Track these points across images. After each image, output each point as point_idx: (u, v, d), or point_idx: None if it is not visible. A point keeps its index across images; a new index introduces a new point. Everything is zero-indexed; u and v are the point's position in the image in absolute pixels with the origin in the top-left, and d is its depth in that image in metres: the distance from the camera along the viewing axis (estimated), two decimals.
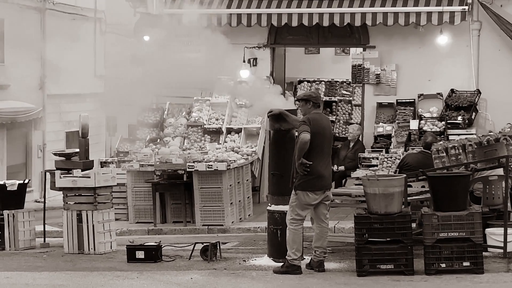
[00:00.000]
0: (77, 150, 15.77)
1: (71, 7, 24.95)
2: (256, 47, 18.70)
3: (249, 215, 16.73)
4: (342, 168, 17.46)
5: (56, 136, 24.75)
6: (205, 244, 12.19)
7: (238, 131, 17.81)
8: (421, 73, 18.09)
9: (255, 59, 18.64)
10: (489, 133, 13.50)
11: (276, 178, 11.72)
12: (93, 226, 13.12)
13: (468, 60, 17.88)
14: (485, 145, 12.03)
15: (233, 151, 16.91)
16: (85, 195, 13.26)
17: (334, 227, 14.70)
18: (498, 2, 17.73)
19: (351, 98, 20.78)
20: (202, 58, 13.14)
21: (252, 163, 17.09)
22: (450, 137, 16.61)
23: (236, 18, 18.24)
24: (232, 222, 15.90)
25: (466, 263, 10.56)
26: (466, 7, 17.31)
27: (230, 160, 15.99)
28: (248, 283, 10.63)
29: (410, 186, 12.34)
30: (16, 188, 14.14)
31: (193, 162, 15.78)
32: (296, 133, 11.30)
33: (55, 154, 15.38)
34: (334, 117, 20.64)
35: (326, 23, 17.91)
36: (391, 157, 16.84)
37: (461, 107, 17.55)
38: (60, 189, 13.52)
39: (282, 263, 11.21)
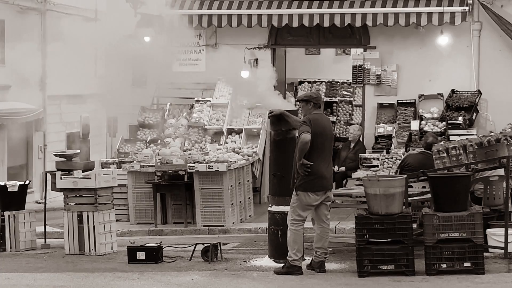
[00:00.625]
0: (78, 151, 15.79)
1: (72, 8, 24.93)
2: (257, 47, 18.70)
3: (250, 215, 16.73)
4: (342, 168, 17.45)
5: (57, 137, 24.74)
6: (206, 245, 12.19)
7: (239, 131, 17.82)
8: (422, 73, 18.09)
9: (256, 59, 18.65)
10: (490, 134, 13.51)
11: (277, 179, 11.72)
12: (94, 227, 13.12)
13: (468, 61, 17.88)
14: (486, 145, 12.03)
15: (233, 151, 16.91)
16: (86, 196, 13.26)
17: (335, 227, 14.70)
18: (499, 2, 17.73)
19: (351, 99, 20.79)
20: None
21: (253, 163, 17.09)
22: (451, 138, 16.61)
23: (236, 19, 18.24)
24: (233, 222, 15.90)
25: (467, 264, 10.56)
26: (467, 8, 17.31)
27: (230, 161, 16.00)
28: (249, 283, 10.63)
29: (411, 186, 12.34)
30: (17, 189, 14.14)
31: (194, 163, 15.78)
32: (297, 134, 11.30)
33: (56, 155, 15.39)
34: (335, 117, 20.64)
35: (326, 23, 17.92)
36: (391, 158, 16.84)
37: (462, 107, 17.55)
38: (61, 190, 13.52)
39: (283, 264, 11.21)
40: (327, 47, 20.65)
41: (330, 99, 20.97)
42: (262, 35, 18.74)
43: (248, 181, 16.78)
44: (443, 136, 16.86)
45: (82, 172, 13.75)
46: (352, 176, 16.84)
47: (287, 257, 11.09)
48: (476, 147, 12.11)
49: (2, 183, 14.31)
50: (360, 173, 16.31)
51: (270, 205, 11.90)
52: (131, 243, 12.85)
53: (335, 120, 20.51)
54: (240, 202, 16.32)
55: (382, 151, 17.33)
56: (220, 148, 17.15)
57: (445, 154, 12.27)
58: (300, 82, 21.36)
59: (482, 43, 17.89)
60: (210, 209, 15.77)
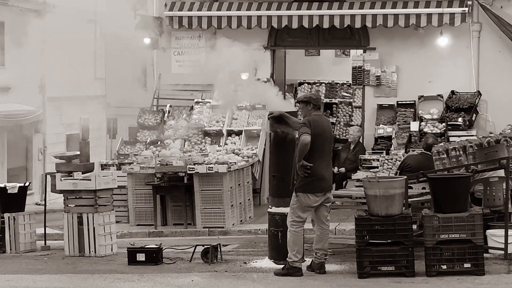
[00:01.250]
0: (78, 152, 15.79)
1: (72, 9, 24.93)
2: (256, 49, 18.69)
3: (249, 217, 16.73)
4: (342, 170, 17.46)
5: (56, 139, 24.74)
6: (206, 246, 12.18)
7: (239, 133, 17.82)
8: (422, 74, 18.10)
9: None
10: (490, 135, 13.49)
11: (277, 180, 11.71)
12: (93, 228, 13.11)
13: (468, 62, 17.89)
14: (486, 146, 12.02)
15: (233, 153, 16.91)
16: (86, 198, 13.25)
17: (335, 229, 14.71)
18: (498, 3, 17.74)
19: (351, 100, 20.79)
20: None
21: (253, 165, 17.09)
22: (451, 139, 16.62)
23: (236, 20, 18.26)
24: (233, 224, 15.90)
25: (467, 265, 10.55)
26: (466, 9, 17.33)
27: (230, 162, 16.00)
28: (249, 285, 10.63)
29: (411, 187, 12.33)
30: (16, 191, 14.14)
31: (194, 164, 15.78)
32: (297, 135, 11.30)
33: (55, 157, 15.39)
34: (335, 119, 20.64)
35: (326, 25, 17.93)
36: (391, 159, 16.84)
37: (462, 108, 17.56)
38: (60, 191, 13.52)
39: (283, 265, 11.21)
40: (327, 48, 20.67)
41: (329, 101, 20.97)
42: (262, 36, 18.75)
43: (248, 182, 16.78)
44: (443, 137, 16.87)
45: (82, 173, 13.75)
46: (352, 177, 16.85)
47: (287, 259, 11.09)
48: (476, 148, 12.11)
49: (2, 185, 14.31)
50: (360, 174, 16.31)
51: (270, 206, 11.90)
52: (131, 244, 12.85)
53: (335, 121, 20.51)
54: (240, 203, 16.32)
55: (382, 152, 17.34)
56: (220, 150, 17.16)
57: (445, 155, 12.27)
58: (300, 84, 21.37)
59: (481, 44, 17.90)
60: (210, 211, 15.77)
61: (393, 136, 17.78)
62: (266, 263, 11.78)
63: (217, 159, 16.21)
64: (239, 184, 16.28)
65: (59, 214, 14.79)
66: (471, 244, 10.54)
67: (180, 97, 19.12)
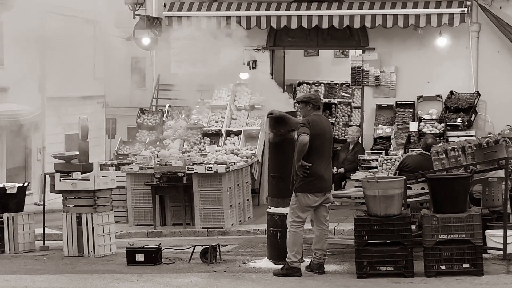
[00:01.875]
0: (77, 152, 15.80)
1: (71, 9, 24.95)
2: (256, 49, 18.70)
3: (248, 217, 16.73)
4: (341, 170, 17.46)
5: (55, 139, 24.77)
6: (205, 246, 12.18)
7: (238, 133, 17.82)
8: (421, 75, 18.10)
9: (255, 61, 18.65)
10: (489, 135, 13.48)
11: (276, 181, 11.72)
12: (92, 228, 13.11)
13: (467, 62, 17.89)
14: (485, 147, 12.03)
15: (232, 153, 16.91)
16: (85, 198, 13.25)
17: (334, 229, 14.70)
18: (497, 4, 17.74)
19: (350, 100, 20.79)
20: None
21: (252, 165, 17.09)
22: (450, 139, 16.63)
23: (235, 20, 18.24)
24: (232, 224, 15.90)
25: (466, 265, 10.55)
26: (465, 9, 17.33)
27: (229, 163, 16.00)
28: (248, 285, 10.63)
29: (410, 188, 12.34)
30: (15, 191, 14.14)
31: (193, 164, 15.78)
32: (296, 135, 11.30)
33: (54, 157, 15.40)
34: (334, 119, 20.64)
35: (325, 25, 17.93)
36: (390, 159, 16.84)
37: (461, 109, 17.56)
38: (59, 191, 13.52)
39: (282, 265, 11.21)
40: (326, 49, 20.67)
41: (329, 101, 20.96)
42: (261, 36, 18.75)
43: (247, 182, 16.78)
44: (442, 138, 16.87)
45: (81, 174, 13.75)
46: (351, 178, 16.85)
47: (286, 259, 11.09)
48: (475, 148, 12.11)
49: (1, 185, 14.31)
50: (359, 175, 16.31)
51: (269, 206, 11.90)
52: (130, 244, 12.85)
53: (334, 121, 20.50)
54: (239, 203, 16.32)
55: (381, 153, 17.34)
56: (219, 150, 17.16)
57: (444, 156, 12.27)
58: (299, 84, 21.36)
59: (480, 45, 17.91)
60: (209, 211, 15.77)
61: (392, 136, 17.78)
62: (265, 263, 11.78)
63: (216, 159, 16.21)
64: (238, 184, 16.28)
65: (58, 214, 14.79)
66: (470, 245, 10.55)
67: (179, 97, 19.11)
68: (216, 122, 18.09)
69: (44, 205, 14.90)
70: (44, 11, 23.67)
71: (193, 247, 12.38)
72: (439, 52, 17.95)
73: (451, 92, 17.86)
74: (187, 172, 15.73)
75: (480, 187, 12.13)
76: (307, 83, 21.34)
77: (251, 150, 17.28)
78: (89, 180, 13.25)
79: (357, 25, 17.80)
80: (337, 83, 21.31)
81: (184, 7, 18.66)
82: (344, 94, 21.02)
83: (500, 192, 11.89)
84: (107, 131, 27.53)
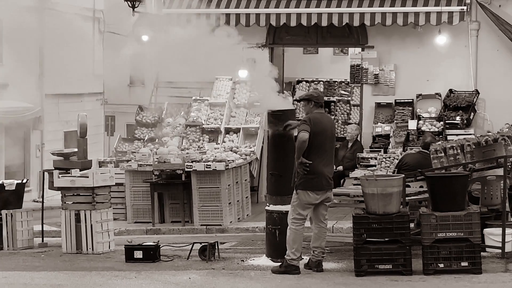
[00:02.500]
0: (76, 149, 15.77)
1: (70, 6, 24.94)
2: (255, 47, 18.69)
3: (247, 215, 16.73)
4: (340, 168, 17.45)
5: (54, 136, 24.75)
6: (203, 244, 12.19)
7: (237, 131, 17.81)
8: (420, 73, 18.09)
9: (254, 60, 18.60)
10: (488, 133, 13.50)
11: (275, 178, 11.72)
12: (91, 225, 13.11)
13: (466, 60, 17.88)
14: (484, 145, 12.03)
15: (231, 151, 16.91)
16: (84, 195, 13.26)
17: (333, 227, 14.71)
18: (497, 2, 17.73)
19: (349, 98, 20.78)
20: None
21: (251, 163, 17.09)
22: (449, 137, 16.62)
23: (234, 18, 18.23)
24: (231, 222, 15.90)
25: (464, 263, 10.56)
26: (465, 7, 17.32)
27: (228, 160, 16.00)
28: (246, 283, 10.63)
29: (409, 186, 12.34)
30: (14, 188, 14.15)
31: (192, 162, 15.78)
32: (295, 133, 11.30)
33: (53, 154, 15.38)
34: (333, 117, 20.63)
35: (324, 23, 17.92)
36: (389, 157, 16.84)
37: (460, 107, 17.56)
38: (58, 188, 13.52)
39: (280, 263, 11.20)
40: (325, 47, 20.65)
41: (328, 99, 20.92)
42: (260, 34, 18.73)
43: (245, 180, 16.78)
44: (440, 136, 16.87)
45: (80, 170, 13.74)
46: (350, 176, 16.85)
47: (285, 256, 11.08)
48: (474, 146, 12.11)
49: (0, 182, 14.30)
50: (357, 173, 16.31)
51: (267, 204, 11.90)
52: (128, 242, 12.84)
53: (332, 119, 20.49)
54: (238, 201, 16.32)
55: (380, 151, 17.33)
56: (218, 147, 17.16)
57: (443, 154, 12.27)
58: (298, 82, 21.35)
59: (480, 43, 17.90)
60: (208, 208, 15.77)
61: (391, 134, 17.77)
62: (264, 261, 11.79)
63: (215, 156, 16.21)
64: (236, 182, 16.28)
65: (57, 211, 14.79)
66: (469, 243, 10.55)
67: (178, 95, 19.11)
68: (215, 119, 18.08)
69: (42, 202, 14.90)
70: (43, 7, 23.69)
71: (191, 245, 12.38)
72: (438, 50, 17.94)
73: (450, 90, 17.86)
74: (186, 169, 15.73)
75: (479, 186, 12.14)
76: (306, 81, 21.34)
77: (250, 148, 17.28)
78: (87, 177, 13.26)
79: (356, 23, 17.79)
80: (336, 81, 21.30)
81: (183, 4, 18.65)
82: (343, 92, 21.02)
83: (499, 191, 11.90)
84: (106, 128, 27.51)
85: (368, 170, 16.52)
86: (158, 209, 16.21)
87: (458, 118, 17.37)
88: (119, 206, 16.42)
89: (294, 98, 19.87)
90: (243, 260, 11.99)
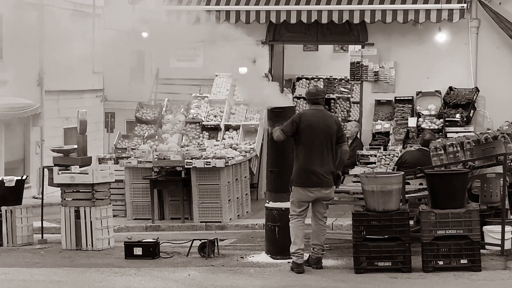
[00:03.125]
0: (75, 146, 15.80)
1: (70, 3, 24.92)
2: (255, 44, 18.68)
3: (247, 212, 16.73)
4: None
5: (54, 133, 24.73)
6: (203, 240, 12.19)
7: (237, 128, 17.81)
8: (420, 70, 18.09)
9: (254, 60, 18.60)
10: (487, 131, 13.50)
11: (274, 175, 11.72)
12: (91, 222, 13.11)
13: (466, 58, 17.88)
14: (483, 142, 12.03)
15: (231, 148, 16.91)
16: (83, 192, 13.25)
17: (332, 224, 14.71)
18: (497, 0, 17.74)
19: (349, 95, 20.77)
20: None
21: (250, 160, 17.09)
22: (448, 135, 16.61)
23: (234, 15, 18.23)
24: (230, 219, 15.90)
25: (463, 261, 10.57)
26: (465, 5, 17.32)
27: (228, 157, 15.99)
28: (246, 279, 10.64)
29: (408, 183, 12.34)
30: (14, 184, 14.14)
31: (191, 159, 15.78)
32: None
33: (53, 151, 15.41)
34: (332, 114, 20.62)
35: (324, 20, 17.91)
36: (389, 155, 16.84)
37: (459, 104, 17.56)
38: (58, 185, 13.52)
39: (279, 260, 11.23)
40: (325, 44, 20.64)
41: (327, 96, 20.92)
42: (260, 31, 18.73)
43: (245, 177, 16.78)
44: (440, 133, 16.87)
45: (79, 167, 13.74)
46: (350, 173, 16.83)
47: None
48: (474, 144, 12.11)
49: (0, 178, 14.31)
50: (357, 170, 16.29)
51: (267, 201, 11.91)
52: (128, 238, 12.86)
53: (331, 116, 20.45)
54: (237, 198, 16.32)
55: (380, 148, 17.33)
56: (218, 144, 17.15)
57: (443, 151, 12.27)
58: (298, 79, 21.33)
59: (480, 41, 17.90)
60: (207, 205, 15.77)
61: (390, 131, 17.78)
62: (263, 258, 11.80)
63: (215, 153, 16.20)
64: (236, 179, 16.28)
65: (57, 208, 14.79)
66: (468, 240, 10.56)
67: (178, 92, 19.11)
68: (215, 116, 18.08)
69: (42, 198, 14.89)
70: (43, 3, 23.68)
71: (191, 241, 12.39)
72: (438, 48, 17.94)
73: (450, 88, 17.86)
74: (186, 166, 15.72)
75: (479, 183, 12.14)
76: (306, 78, 21.31)
77: (250, 145, 17.28)
78: (87, 173, 13.25)
79: (356, 20, 17.78)
80: (336, 78, 21.27)
81: (184, 1, 18.64)
82: (343, 89, 21.00)
83: (498, 188, 11.90)
84: (105, 124, 27.48)
85: (367, 167, 16.51)
86: (158, 206, 16.21)
87: (458, 115, 17.38)
88: (119, 202, 16.41)
89: (294, 95, 19.91)
90: (242, 257, 12.00)
